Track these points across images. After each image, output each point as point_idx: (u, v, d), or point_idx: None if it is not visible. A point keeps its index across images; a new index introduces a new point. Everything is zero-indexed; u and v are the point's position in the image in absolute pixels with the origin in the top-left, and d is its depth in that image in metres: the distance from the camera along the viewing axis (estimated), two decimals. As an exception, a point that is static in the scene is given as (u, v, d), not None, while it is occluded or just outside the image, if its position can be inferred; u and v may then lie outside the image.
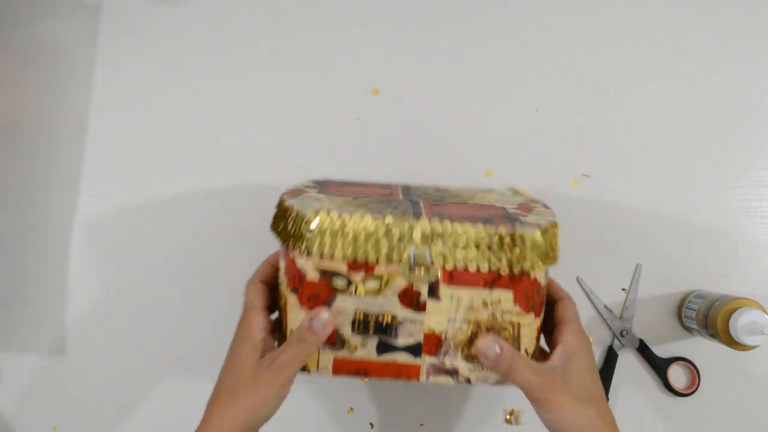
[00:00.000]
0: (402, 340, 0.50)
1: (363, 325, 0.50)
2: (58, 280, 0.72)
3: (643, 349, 0.69)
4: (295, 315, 0.50)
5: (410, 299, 0.49)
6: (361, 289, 0.49)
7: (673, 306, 0.70)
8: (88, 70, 0.74)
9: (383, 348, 0.50)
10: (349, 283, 0.49)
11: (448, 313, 0.49)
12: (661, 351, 0.69)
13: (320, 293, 0.49)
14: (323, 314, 0.49)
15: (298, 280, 0.50)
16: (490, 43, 0.74)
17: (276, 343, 0.53)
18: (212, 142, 0.73)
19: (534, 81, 0.73)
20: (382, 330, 0.50)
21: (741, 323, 0.60)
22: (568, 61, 0.73)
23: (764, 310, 0.61)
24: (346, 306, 0.49)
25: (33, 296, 0.72)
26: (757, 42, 0.72)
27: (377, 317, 0.49)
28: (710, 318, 0.63)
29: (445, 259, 0.48)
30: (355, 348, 0.50)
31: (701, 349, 0.69)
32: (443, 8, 0.74)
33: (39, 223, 0.73)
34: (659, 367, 0.69)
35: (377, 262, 0.48)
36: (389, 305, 0.49)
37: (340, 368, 0.51)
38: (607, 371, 0.69)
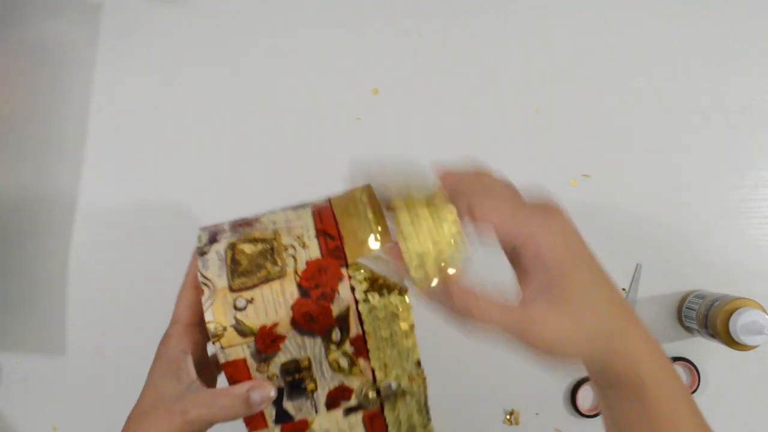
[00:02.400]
0: None
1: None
2: (58, 280, 0.72)
3: (643, 349, 0.69)
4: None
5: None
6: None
7: (673, 306, 0.70)
8: (88, 70, 0.74)
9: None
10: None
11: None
12: (661, 351, 0.69)
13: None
14: (267, 389, 0.43)
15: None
16: (491, 43, 0.74)
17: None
18: (212, 141, 0.73)
19: (534, 81, 0.73)
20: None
21: (741, 323, 0.60)
22: (568, 61, 0.73)
23: (764, 310, 0.61)
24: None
25: (33, 296, 0.72)
26: (758, 43, 0.72)
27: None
28: (710, 318, 0.63)
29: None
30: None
31: (701, 349, 0.69)
32: (443, 8, 0.74)
33: (39, 223, 0.73)
34: (659, 367, 0.69)
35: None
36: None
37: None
38: (607, 371, 0.69)
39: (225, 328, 0.42)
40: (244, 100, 0.74)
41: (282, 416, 0.46)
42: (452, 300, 0.40)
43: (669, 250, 0.71)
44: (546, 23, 0.74)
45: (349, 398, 0.46)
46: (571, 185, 0.71)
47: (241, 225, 0.47)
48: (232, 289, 0.43)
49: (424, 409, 0.49)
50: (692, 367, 0.69)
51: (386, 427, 0.48)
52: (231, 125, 0.74)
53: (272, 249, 0.44)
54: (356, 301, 0.43)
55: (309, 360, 0.44)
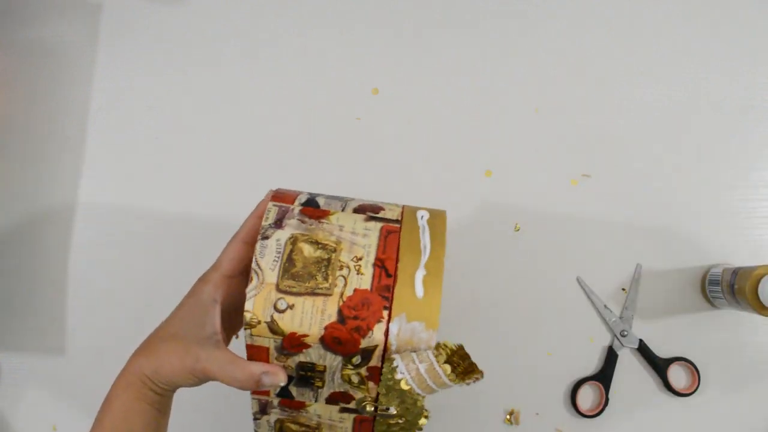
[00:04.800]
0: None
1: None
2: (58, 280, 0.72)
3: (643, 349, 0.69)
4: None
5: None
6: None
7: (674, 306, 0.70)
8: (88, 70, 0.74)
9: None
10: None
11: None
12: (661, 351, 0.69)
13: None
14: (280, 378, 0.45)
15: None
16: (491, 43, 0.74)
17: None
18: (212, 141, 0.73)
19: (534, 81, 0.73)
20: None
21: None
22: (568, 62, 0.73)
23: None
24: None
25: (33, 296, 0.72)
26: (758, 42, 0.72)
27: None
28: (738, 283, 0.62)
29: None
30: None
31: (701, 349, 0.69)
32: (443, 9, 0.74)
33: (39, 222, 0.73)
34: (659, 367, 0.69)
35: None
36: None
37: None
38: (607, 371, 0.69)
39: (260, 322, 0.44)
40: (244, 100, 0.74)
41: (284, 393, 0.48)
42: None
43: (669, 251, 0.71)
44: (546, 23, 0.74)
45: (348, 403, 0.48)
46: (571, 185, 0.71)
47: (311, 215, 0.48)
48: (278, 289, 0.45)
49: (414, 428, 0.50)
50: (692, 367, 0.69)
51: (373, 429, 0.50)
52: (231, 125, 0.74)
53: (329, 261, 0.45)
54: (385, 342, 0.44)
55: (325, 367, 0.46)
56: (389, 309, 0.44)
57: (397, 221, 0.48)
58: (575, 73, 0.73)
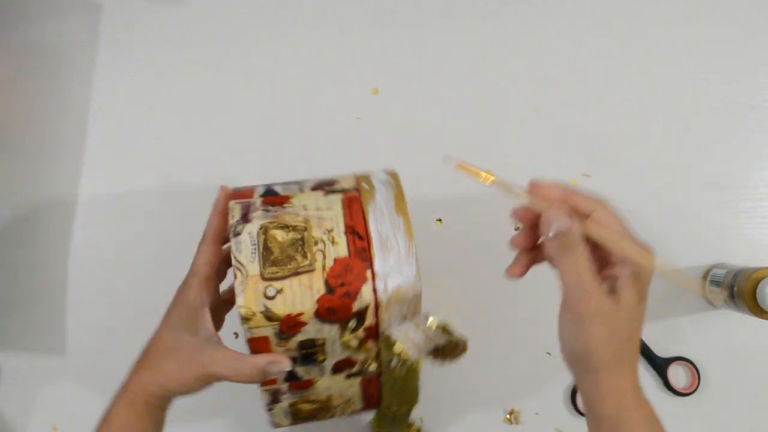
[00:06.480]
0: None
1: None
2: (58, 279, 0.72)
3: (643, 349, 0.69)
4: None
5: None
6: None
7: (674, 306, 0.70)
8: (88, 70, 0.74)
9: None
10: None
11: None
12: (661, 351, 0.69)
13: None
14: (285, 364, 0.46)
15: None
16: (491, 43, 0.74)
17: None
18: (213, 141, 0.73)
19: (534, 81, 0.73)
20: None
21: None
22: (567, 62, 0.73)
23: None
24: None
25: (33, 296, 0.72)
26: (758, 42, 0.72)
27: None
28: (737, 286, 0.62)
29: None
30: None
31: (701, 349, 0.69)
32: (443, 9, 0.74)
33: (39, 222, 0.73)
34: (659, 366, 0.69)
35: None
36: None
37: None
38: (607, 371, 0.69)
39: (254, 314, 0.45)
40: (244, 100, 0.74)
41: (291, 376, 0.50)
42: None
43: (669, 251, 0.71)
44: (546, 23, 0.74)
45: (352, 368, 0.50)
46: (571, 185, 0.71)
47: (272, 203, 0.49)
48: (263, 278, 0.46)
49: (417, 376, 0.52)
50: (692, 367, 0.69)
51: (380, 386, 0.52)
52: (231, 125, 0.74)
53: (302, 240, 0.47)
54: (376, 299, 0.46)
55: (324, 340, 0.47)
56: (371, 268, 0.46)
57: (355, 189, 0.50)
58: (575, 73, 0.73)
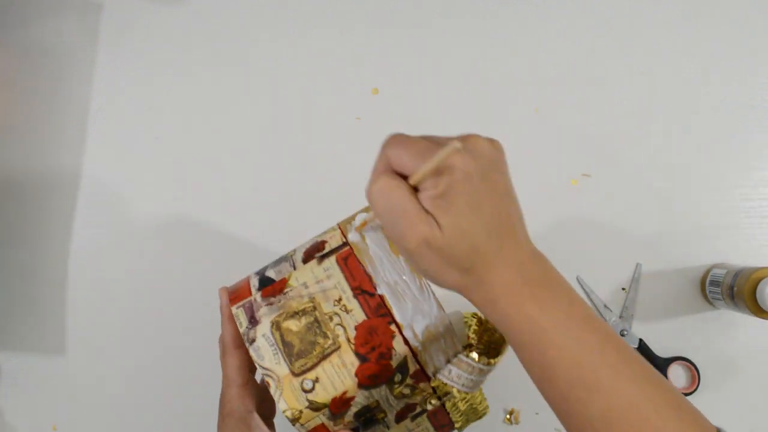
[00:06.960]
0: None
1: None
2: (58, 280, 0.72)
3: (643, 349, 0.69)
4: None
5: None
6: None
7: (673, 306, 0.70)
8: (88, 70, 0.74)
9: None
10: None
11: None
12: (661, 351, 0.69)
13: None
14: None
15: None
16: (491, 43, 0.74)
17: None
18: (213, 141, 0.73)
19: (534, 81, 0.73)
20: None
21: None
22: (567, 62, 0.73)
23: None
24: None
25: (33, 296, 0.72)
26: (758, 42, 0.72)
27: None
28: (737, 287, 0.62)
29: None
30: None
31: (701, 349, 0.69)
32: (443, 9, 0.74)
33: (39, 222, 0.73)
34: (659, 366, 0.69)
35: None
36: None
37: None
38: (607, 371, 0.69)
39: (301, 411, 0.45)
40: (243, 100, 0.74)
41: None
42: None
43: (669, 251, 0.71)
44: (546, 23, 0.74)
45: (414, 410, 0.49)
46: (571, 185, 0.71)
47: (272, 293, 0.48)
48: (295, 374, 0.45)
49: (479, 391, 0.52)
50: (692, 367, 0.69)
51: (448, 413, 0.51)
52: (230, 125, 0.74)
53: (317, 321, 0.46)
54: (411, 349, 0.45)
55: (377, 402, 0.47)
56: (393, 321, 0.45)
57: (344, 244, 0.49)
58: (575, 73, 0.73)
